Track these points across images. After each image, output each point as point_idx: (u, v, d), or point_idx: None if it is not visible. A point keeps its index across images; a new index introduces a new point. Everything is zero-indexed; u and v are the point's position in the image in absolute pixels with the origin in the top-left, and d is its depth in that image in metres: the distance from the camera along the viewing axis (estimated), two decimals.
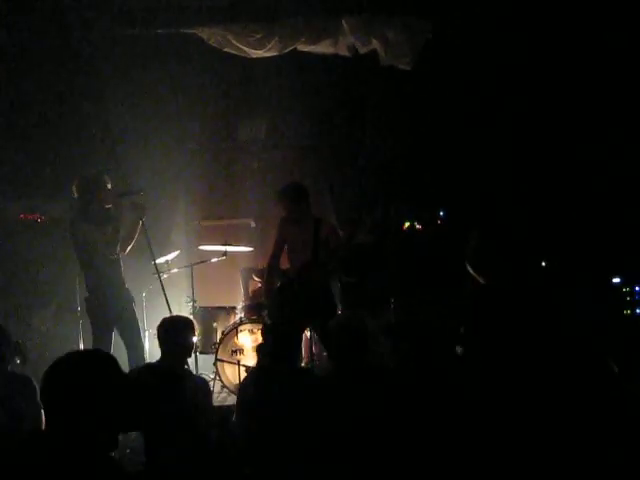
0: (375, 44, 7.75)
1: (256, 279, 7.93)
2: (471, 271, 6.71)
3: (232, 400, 6.42)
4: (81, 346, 7.74)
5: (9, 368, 4.42)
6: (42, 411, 4.22)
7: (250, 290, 8.12)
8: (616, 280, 7.51)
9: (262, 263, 7.56)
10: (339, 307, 7.30)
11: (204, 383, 4.88)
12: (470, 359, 3.91)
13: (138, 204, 6.32)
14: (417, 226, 8.93)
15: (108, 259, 6.27)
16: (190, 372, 5.13)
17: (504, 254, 6.36)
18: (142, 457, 4.57)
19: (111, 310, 6.33)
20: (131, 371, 5.66)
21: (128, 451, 5.25)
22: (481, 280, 6.57)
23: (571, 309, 5.95)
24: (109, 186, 6.35)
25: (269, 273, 6.87)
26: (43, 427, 4.21)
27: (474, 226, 6.93)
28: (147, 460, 4.44)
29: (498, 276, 6.34)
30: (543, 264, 7.73)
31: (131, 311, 6.51)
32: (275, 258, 6.85)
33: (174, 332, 4.67)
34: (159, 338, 4.72)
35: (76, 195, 6.31)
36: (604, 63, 7.72)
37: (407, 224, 8.82)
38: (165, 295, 6.29)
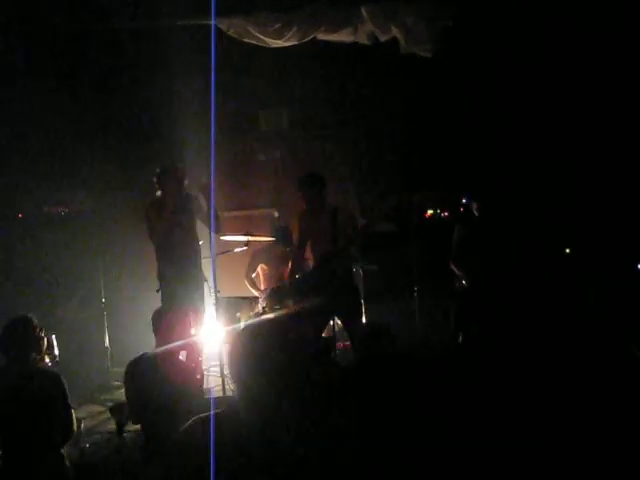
0: (395, 32, 7.68)
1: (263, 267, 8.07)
2: (454, 269, 6.70)
3: None
4: (106, 336, 7.83)
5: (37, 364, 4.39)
6: (72, 411, 4.30)
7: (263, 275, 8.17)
8: None
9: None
10: (362, 295, 7.30)
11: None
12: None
13: (204, 185, 6.62)
14: (442, 213, 8.92)
15: (163, 247, 6.40)
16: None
17: (485, 251, 6.34)
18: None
19: (185, 297, 6.42)
20: None
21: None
22: (464, 278, 6.57)
23: (594, 295, 5.92)
24: (179, 176, 6.57)
25: (294, 263, 6.85)
26: (74, 429, 4.29)
27: (458, 221, 6.93)
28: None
29: (480, 275, 6.33)
30: (567, 251, 7.70)
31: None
32: (300, 247, 6.83)
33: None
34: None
35: (157, 185, 6.55)
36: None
37: (430, 211, 8.79)
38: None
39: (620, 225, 7.55)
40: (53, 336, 4.72)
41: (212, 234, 6.80)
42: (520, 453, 3.01)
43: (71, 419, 4.28)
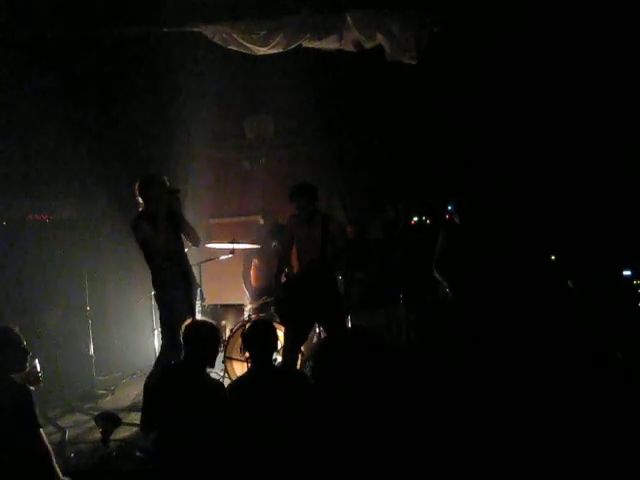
0: (380, 39, 7.69)
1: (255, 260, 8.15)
2: (437, 276, 6.72)
3: None
4: (91, 345, 7.78)
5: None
6: (41, 430, 4.18)
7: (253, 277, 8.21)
8: (627, 273, 7.47)
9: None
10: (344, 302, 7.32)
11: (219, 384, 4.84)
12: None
13: (177, 202, 6.38)
14: (426, 221, 8.93)
15: (167, 256, 6.29)
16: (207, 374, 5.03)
17: (467, 258, 6.35)
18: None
19: (177, 307, 6.24)
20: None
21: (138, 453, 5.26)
22: (446, 286, 6.58)
23: (580, 302, 5.94)
24: (167, 186, 6.34)
25: (279, 269, 6.86)
26: (41, 446, 4.16)
27: (441, 228, 6.95)
28: (161, 459, 4.44)
29: (462, 282, 6.34)
30: (553, 258, 7.73)
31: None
32: (286, 254, 6.85)
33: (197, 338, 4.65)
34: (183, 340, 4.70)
35: (137, 195, 6.33)
36: (611, 61, 7.68)
37: (415, 219, 8.81)
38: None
39: (606, 231, 7.59)
40: (36, 362, 4.62)
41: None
42: (506, 457, 3.01)
43: (41, 437, 4.16)
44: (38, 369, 4.59)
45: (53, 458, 4.11)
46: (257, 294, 8.04)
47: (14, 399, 4.06)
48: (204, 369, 4.69)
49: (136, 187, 6.31)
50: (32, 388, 4.30)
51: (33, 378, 4.51)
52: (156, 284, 6.42)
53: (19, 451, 4.01)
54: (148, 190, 6.29)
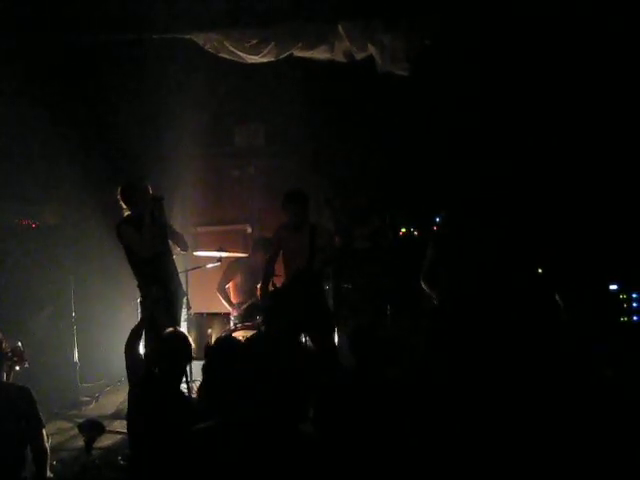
0: (371, 49, 7.72)
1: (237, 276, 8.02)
2: (425, 288, 6.69)
3: None
4: (76, 351, 7.72)
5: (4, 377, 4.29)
6: (44, 429, 4.20)
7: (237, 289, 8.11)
8: (613, 287, 7.49)
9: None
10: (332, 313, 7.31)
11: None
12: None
13: (161, 209, 6.35)
14: (414, 232, 8.92)
15: (150, 261, 6.26)
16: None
17: (455, 270, 6.33)
18: None
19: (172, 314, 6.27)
20: None
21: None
22: (434, 297, 6.56)
23: (566, 316, 5.94)
24: (150, 192, 6.35)
25: (265, 278, 6.86)
26: (44, 443, 4.18)
27: (430, 240, 6.92)
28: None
29: (451, 294, 6.31)
30: (539, 271, 7.73)
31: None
32: (271, 263, 6.87)
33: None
34: None
35: (121, 200, 6.34)
36: (607, 74, 7.71)
37: (403, 230, 8.80)
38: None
39: (593, 245, 7.61)
40: (19, 343, 4.59)
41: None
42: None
43: (42, 436, 4.19)
44: (21, 348, 4.57)
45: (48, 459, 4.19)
46: (240, 307, 7.92)
47: (17, 399, 4.12)
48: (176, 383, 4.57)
49: (118, 192, 6.33)
50: (17, 368, 4.31)
51: (18, 358, 4.50)
52: (140, 290, 6.43)
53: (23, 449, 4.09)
54: (130, 195, 6.30)
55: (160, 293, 6.06)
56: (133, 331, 4.87)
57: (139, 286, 6.36)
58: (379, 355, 4.12)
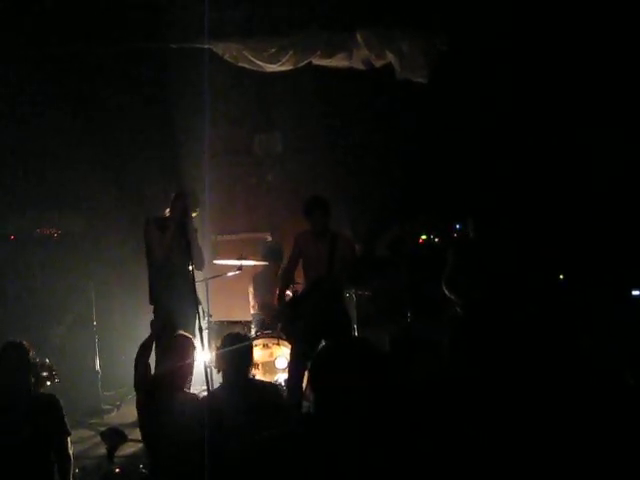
0: (390, 57, 7.72)
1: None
2: (447, 294, 6.65)
3: None
4: (97, 359, 7.76)
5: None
6: (68, 438, 4.25)
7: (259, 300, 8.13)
8: (636, 292, 7.42)
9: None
10: (354, 322, 7.30)
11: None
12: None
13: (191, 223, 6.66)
14: (435, 239, 8.89)
15: (164, 267, 6.44)
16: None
17: (478, 276, 6.29)
18: None
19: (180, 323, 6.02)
20: None
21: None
22: (457, 303, 6.52)
23: (588, 322, 5.89)
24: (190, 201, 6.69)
25: (282, 286, 6.86)
26: (69, 451, 4.23)
27: (450, 245, 6.88)
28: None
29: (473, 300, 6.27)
30: (561, 277, 7.68)
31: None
32: (290, 271, 6.87)
33: None
34: None
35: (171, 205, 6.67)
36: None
37: (424, 237, 8.77)
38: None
39: (615, 250, 7.55)
40: (47, 360, 4.66)
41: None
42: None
43: (66, 444, 4.23)
44: (50, 364, 4.64)
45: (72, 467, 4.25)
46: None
47: (46, 407, 4.17)
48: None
49: (174, 197, 6.68)
50: (48, 383, 4.35)
51: (48, 374, 4.55)
52: (150, 298, 6.55)
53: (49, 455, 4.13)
54: (174, 202, 6.64)
55: (166, 321, 6.03)
56: (142, 345, 4.85)
57: (151, 302, 6.49)
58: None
